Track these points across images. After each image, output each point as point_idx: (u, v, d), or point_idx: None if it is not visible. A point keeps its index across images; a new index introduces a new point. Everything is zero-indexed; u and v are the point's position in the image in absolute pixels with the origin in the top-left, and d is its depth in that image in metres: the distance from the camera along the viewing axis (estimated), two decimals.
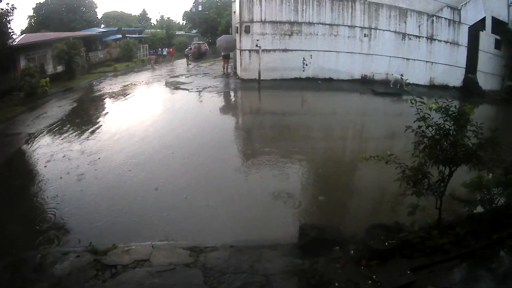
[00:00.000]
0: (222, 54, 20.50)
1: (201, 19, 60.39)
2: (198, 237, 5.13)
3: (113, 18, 58.82)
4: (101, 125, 11.61)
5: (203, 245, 4.79)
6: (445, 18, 18.50)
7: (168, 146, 9.10)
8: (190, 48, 37.67)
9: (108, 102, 16.07)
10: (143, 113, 12.74)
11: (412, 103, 4.33)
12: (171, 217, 5.86)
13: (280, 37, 17.57)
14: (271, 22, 17.42)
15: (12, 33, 17.73)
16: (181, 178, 7.25)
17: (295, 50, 17.76)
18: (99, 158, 8.41)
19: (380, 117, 13.40)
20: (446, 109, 4.27)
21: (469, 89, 18.44)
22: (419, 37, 18.43)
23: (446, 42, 18.69)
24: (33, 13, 45.94)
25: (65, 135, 10.61)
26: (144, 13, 71.28)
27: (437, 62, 18.78)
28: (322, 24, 17.74)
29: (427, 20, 18.34)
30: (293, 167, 7.83)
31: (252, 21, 17.28)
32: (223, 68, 20.50)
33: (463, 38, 18.86)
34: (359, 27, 17.96)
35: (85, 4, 48.84)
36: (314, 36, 17.78)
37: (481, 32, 19.18)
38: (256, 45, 17.21)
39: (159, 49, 36.03)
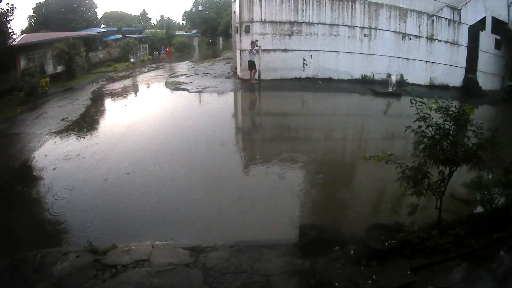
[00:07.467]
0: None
1: (201, 19, 60.46)
2: (197, 236, 5.13)
3: (113, 18, 58.98)
4: (100, 127, 11.62)
5: (203, 245, 4.79)
6: (445, 18, 18.50)
7: (168, 147, 9.12)
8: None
9: (108, 102, 16.10)
10: (142, 115, 12.74)
11: (412, 103, 4.34)
12: (172, 215, 5.88)
13: (280, 37, 17.56)
14: (271, 22, 17.41)
15: (12, 33, 17.78)
16: (181, 178, 7.25)
17: (295, 50, 17.75)
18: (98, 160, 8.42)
19: (380, 117, 13.40)
20: (446, 109, 4.27)
21: (469, 89, 18.43)
22: (419, 37, 18.43)
23: (446, 42, 18.69)
24: (33, 13, 46.06)
25: (66, 134, 10.64)
26: (144, 13, 71.58)
27: (437, 62, 18.77)
28: (322, 24, 17.72)
29: (427, 20, 18.34)
30: (293, 167, 7.82)
31: (252, 21, 17.27)
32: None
33: (463, 38, 18.86)
34: (359, 27, 17.95)
35: (85, 4, 48.94)
36: (314, 36, 17.77)
37: (481, 32, 19.18)
38: (256, 45, 17.20)
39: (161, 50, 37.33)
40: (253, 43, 16.70)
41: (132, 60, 27.20)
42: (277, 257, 4.53)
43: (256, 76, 17.17)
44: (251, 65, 16.91)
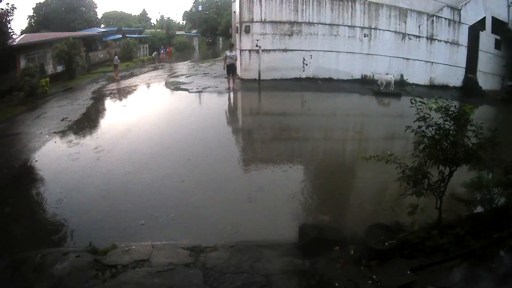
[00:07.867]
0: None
1: (201, 19, 60.49)
2: (198, 237, 5.13)
3: (113, 18, 59.03)
4: (100, 127, 11.60)
5: (203, 245, 4.79)
6: (445, 18, 18.52)
7: (168, 147, 9.12)
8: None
9: (108, 102, 16.10)
10: (142, 115, 12.73)
11: (412, 103, 4.33)
12: (172, 215, 5.87)
13: (280, 37, 17.58)
14: (271, 22, 17.43)
15: (12, 33, 17.80)
16: (181, 177, 7.25)
17: (295, 50, 17.76)
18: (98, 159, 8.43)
19: (380, 117, 13.40)
20: (446, 109, 4.27)
21: (469, 89, 18.45)
22: (419, 37, 18.44)
23: (446, 42, 18.71)
24: (33, 13, 46.14)
25: (66, 134, 10.64)
26: (144, 13, 71.59)
27: (437, 62, 18.79)
28: (322, 24, 17.74)
29: (427, 20, 18.35)
30: (293, 167, 7.83)
31: (252, 21, 17.28)
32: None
33: (463, 38, 18.88)
34: (359, 27, 17.97)
35: (85, 4, 48.99)
36: (314, 36, 17.78)
37: (481, 32, 19.21)
38: (256, 45, 17.21)
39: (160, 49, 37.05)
40: (232, 46, 16.41)
41: (115, 62, 22.42)
42: (277, 257, 4.53)
43: (258, 77, 17.17)
44: (230, 69, 15.45)
